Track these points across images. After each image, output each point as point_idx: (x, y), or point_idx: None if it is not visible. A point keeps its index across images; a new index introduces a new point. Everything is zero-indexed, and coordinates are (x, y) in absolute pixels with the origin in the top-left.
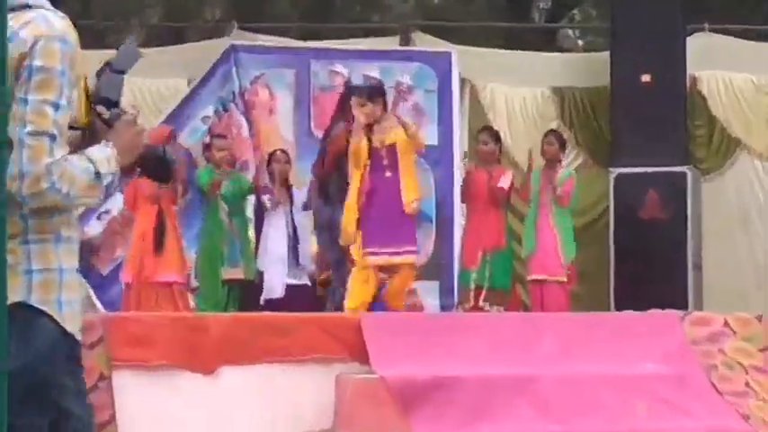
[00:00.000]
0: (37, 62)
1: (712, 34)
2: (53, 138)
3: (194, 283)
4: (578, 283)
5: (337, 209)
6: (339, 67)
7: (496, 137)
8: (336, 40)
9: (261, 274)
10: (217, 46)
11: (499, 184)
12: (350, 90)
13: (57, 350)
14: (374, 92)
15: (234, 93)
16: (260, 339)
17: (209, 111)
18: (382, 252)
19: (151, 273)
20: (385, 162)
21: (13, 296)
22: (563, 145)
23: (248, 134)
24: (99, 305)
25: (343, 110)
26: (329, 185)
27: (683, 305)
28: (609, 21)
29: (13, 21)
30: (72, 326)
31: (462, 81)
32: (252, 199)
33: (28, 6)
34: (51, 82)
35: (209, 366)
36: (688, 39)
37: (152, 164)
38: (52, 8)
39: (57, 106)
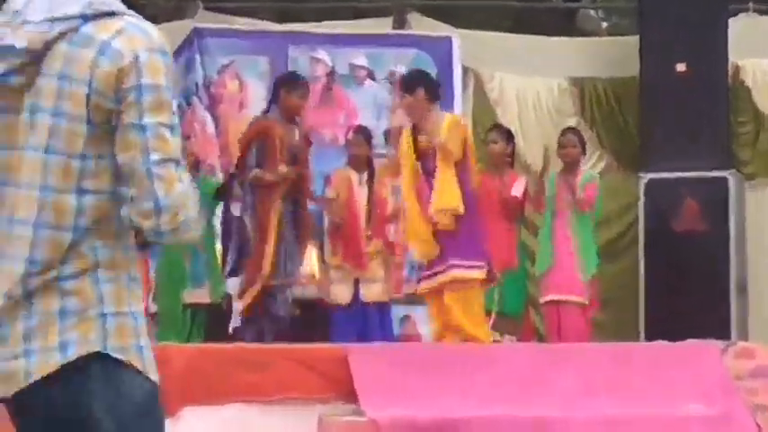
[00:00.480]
0: (146, 80)
1: (758, 16)
2: (177, 163)
3: (153, 308)
4: (602, 307)
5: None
6: (321, 54)
7: (508, 135)
8: (318, 22)
9: (229, 297)
10: (177, 29)
11: (512, 193)
12: (284, 78)
13: (151, 404)
14: (411, 81)
15: (197, 84)
16: (229, 375)
17: (173, 105)
18: (429, 274)
19: None
20: (430, 165)
21: (86, 346)
22: (583, 146)
23: (214, 132)
24: None
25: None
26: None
27: (725, 334)
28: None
29: (98, 29)
30: (155, 374)
31: (465, 70)
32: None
33: (113, 14)
34: (162, 101)
35: (170, 407)
36: (730, 21)
37: None
38: (135, 14)
39: (172, 128)
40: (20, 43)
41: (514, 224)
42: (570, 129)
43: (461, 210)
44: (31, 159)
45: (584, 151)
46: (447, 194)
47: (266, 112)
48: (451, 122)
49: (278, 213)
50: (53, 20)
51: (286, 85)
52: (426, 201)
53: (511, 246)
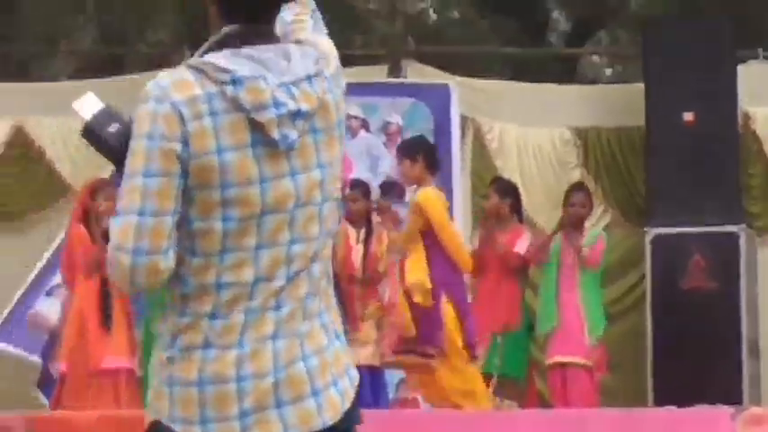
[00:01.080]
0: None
1: None
2: None
3: (139, 372)
4: (609, 369)
5: None
6: None
7: (505, 190)
8: None
9: None
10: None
11: (515, 249)
12: None
13: None
14: (403, 149)
15: None
16: None
17: None
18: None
19: (97, 358)
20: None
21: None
22: (590, 200)
23: None
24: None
25: None
26: None
27: (736, 398)
28: (642, 45)
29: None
30: None
31: (464, 120)
32: None
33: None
34: None
35: None
36: (739, 68)
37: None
38: None
39: None
40: (304, 106)
41: (516, 282)
42: (579, 186)
43: (428, 284)
44: (311, 214)
45: (591, 209)
46: (413, 271)
47: None
48: (414, 205)
49: None
50: (310, 77)
51: None
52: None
53: (514, 305)
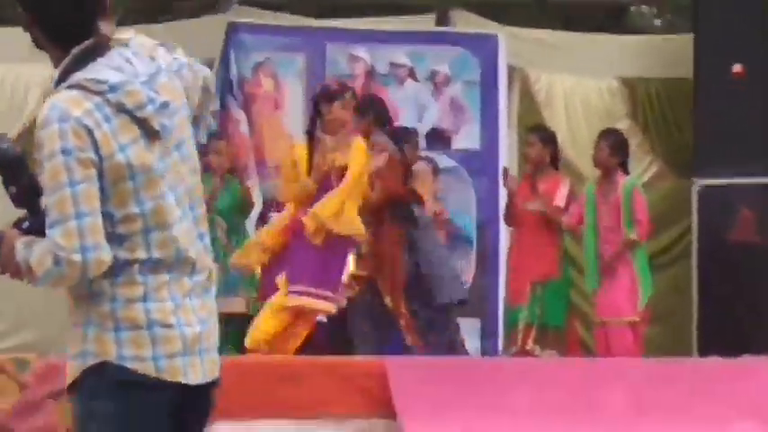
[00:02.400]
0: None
1: None
2: None
3: None
4: (653, 322)
5: None
6: (361, 52)
7: (547, 138)
8: (358, 18)
9: None
10: (212, 24)
11: (555, 202)
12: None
13: None
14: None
15: (231, 82)
16: (258, 389)
17: None
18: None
19: None
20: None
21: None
22: (617, 147)
23: (248, 133)
24: None
25: None
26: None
27: None
28: None
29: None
30: None
31: (511, 70)
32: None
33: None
34: None
35: None
36: None
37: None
38: None
39: None
40: (166, 97)
41: (556, 231)
42: (609, 131)
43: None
44: (197, 181)
45: (616, 154)
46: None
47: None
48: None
49: None
50: (158, 71)
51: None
52: None
53: (553, 256)
